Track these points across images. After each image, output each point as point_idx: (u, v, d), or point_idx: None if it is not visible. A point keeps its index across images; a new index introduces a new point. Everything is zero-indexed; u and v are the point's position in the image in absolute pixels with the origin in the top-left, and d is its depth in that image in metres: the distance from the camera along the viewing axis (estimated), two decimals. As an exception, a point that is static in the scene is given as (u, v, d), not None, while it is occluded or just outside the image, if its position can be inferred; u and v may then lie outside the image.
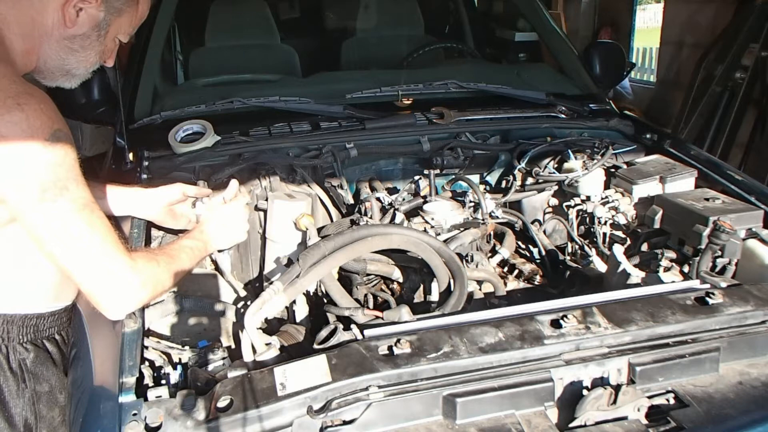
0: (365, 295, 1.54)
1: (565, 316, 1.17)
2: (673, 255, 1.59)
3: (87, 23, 1.24)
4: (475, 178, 2.00)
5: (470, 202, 1.79)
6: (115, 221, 1.46)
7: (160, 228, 1.61)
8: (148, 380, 1.14)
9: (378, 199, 1.81)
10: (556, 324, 1.17)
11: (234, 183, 1.54)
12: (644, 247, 1.69)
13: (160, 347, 1.28)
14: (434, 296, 1.52)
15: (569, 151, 1.91)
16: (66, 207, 1.08)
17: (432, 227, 1.66)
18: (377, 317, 1.35)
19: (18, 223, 1.14)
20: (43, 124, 1.06)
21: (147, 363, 1.20)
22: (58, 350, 1.45)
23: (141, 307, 1.23)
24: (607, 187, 1.88)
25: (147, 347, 1.24)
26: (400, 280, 1.60)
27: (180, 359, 1.26)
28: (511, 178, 1.96)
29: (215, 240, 1.44)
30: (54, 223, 1.08)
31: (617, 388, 1.06)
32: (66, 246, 1.10)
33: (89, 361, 1.25)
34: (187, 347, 1.30)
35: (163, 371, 1.19)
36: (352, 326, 1.21)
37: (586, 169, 1.84)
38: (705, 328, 1.19)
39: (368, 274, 1.57)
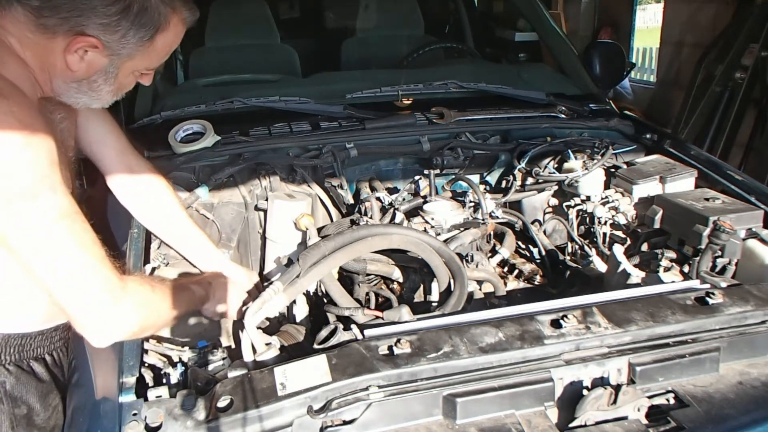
0: (366, 294, 1.54)
1: (565, 316, 1.17)
2: (673, 255, 1.59)
3: (91, 69, 1.17)
4: (475, 178, 2.00)
5: (470, 202, 1.79)
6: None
7: None
8: (148, 380, 1.14)
9: (378, 199, 1.81)
10: (556, 324, 1.17)
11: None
12: (644, 247, 1.69)
13: (160, 349, 1.27)
14: (434, 296, 1.52)
15: (569, 151, 1.92)
16: (38, 217, 0.99)
17: (432, 227, 1.66)
18: (377, 317, 1.35)
19: None
20: (11, 128, 0.98)
21: (147, 365, 1.19)
22: (47, 371, 1.36)
23: (131, 337, 1.13)
24: (607, 187, 1.88)
25: (147, 351, 1.23)
26: (400, 280, 1.60)
27: (180, 359, 1.26)
28: (511, 178, 1.96)
29: (216, 301, 1.37)
30: (25, 235, 0.99)
31: (617, 388, 1.06)
32: (42, 260, 1.01)
33: (88, 361, 1.25)
34: (186, 347, 1.30)
35: (163, 371, 1.19)
36: (352, 326, 1.21)
37: (586, 169, 1.84)
38: (705, 328, 1.19)
39: (368, 274, 1.57)
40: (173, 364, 1.21)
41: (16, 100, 1.03)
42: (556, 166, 1.93)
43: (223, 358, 1.20)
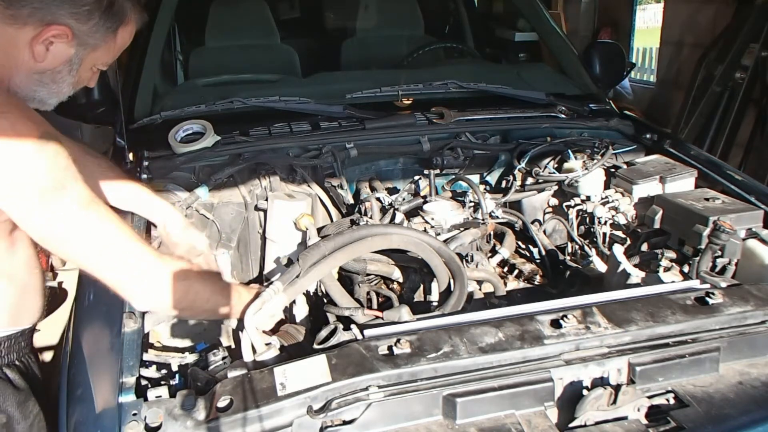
0: (367, 293, 1.54)
1: (565, 316, 1.17)
2: (673, 255, 1.59)
3: (56, 59, 1.17)
4: (475, 178, 2.00)
5: (470, 202, 1.79)
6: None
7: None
8: (148, 381, 1.14)
9: (378, 199, 1.81)
10: (556, 324, 1.17)
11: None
12: (644, 247, 1.69)
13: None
14: (434, 296, 1.52)
15: (569, 151, 1.92)
16: (70, 206, 1.06)
17: (432, 227, 1.66)
18: (377, 317, 1.35)
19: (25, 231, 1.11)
20: (30, 129, 1.03)
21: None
22: (21, 377, 1.34)
23: (171, 308, 1.19)
24: (607, 187, 1.88)
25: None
26: (400, 280, 1.60)
27: (179, 367, 1.26)
28: (511, 178, 1.96)
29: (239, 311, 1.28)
30: (61, 224, 1.06)
31: (617, 388, 1.06)
32: (81, 244, 1.08)
33: (86, 361, 1.25)
34: (186, 353, 1.30)
35: (163, 372, 1.19)
36: (352, 326, 1.21)
37: (586, 169, 1.84)
38: (705, 328, 1.19)
39: (368, 274, 1.57)
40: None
41: (22, 106, 1.07)
42: (556, 166, 1.93)
43: (223, 358, 1.20)
